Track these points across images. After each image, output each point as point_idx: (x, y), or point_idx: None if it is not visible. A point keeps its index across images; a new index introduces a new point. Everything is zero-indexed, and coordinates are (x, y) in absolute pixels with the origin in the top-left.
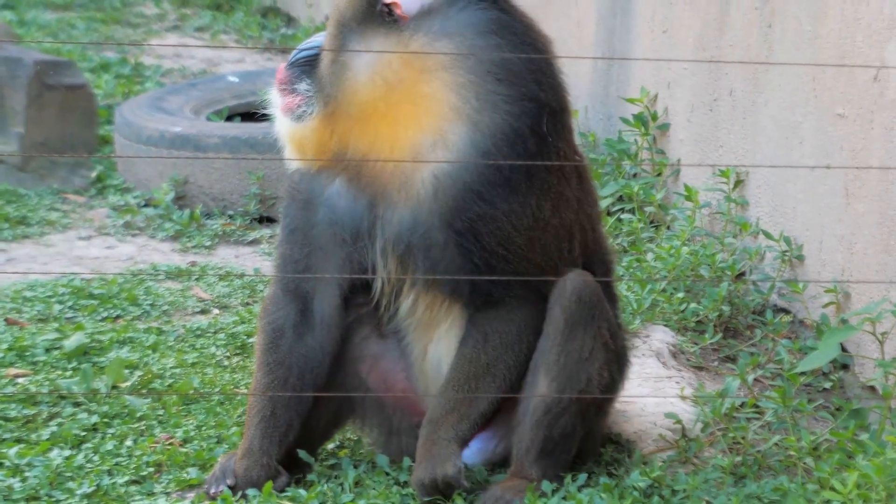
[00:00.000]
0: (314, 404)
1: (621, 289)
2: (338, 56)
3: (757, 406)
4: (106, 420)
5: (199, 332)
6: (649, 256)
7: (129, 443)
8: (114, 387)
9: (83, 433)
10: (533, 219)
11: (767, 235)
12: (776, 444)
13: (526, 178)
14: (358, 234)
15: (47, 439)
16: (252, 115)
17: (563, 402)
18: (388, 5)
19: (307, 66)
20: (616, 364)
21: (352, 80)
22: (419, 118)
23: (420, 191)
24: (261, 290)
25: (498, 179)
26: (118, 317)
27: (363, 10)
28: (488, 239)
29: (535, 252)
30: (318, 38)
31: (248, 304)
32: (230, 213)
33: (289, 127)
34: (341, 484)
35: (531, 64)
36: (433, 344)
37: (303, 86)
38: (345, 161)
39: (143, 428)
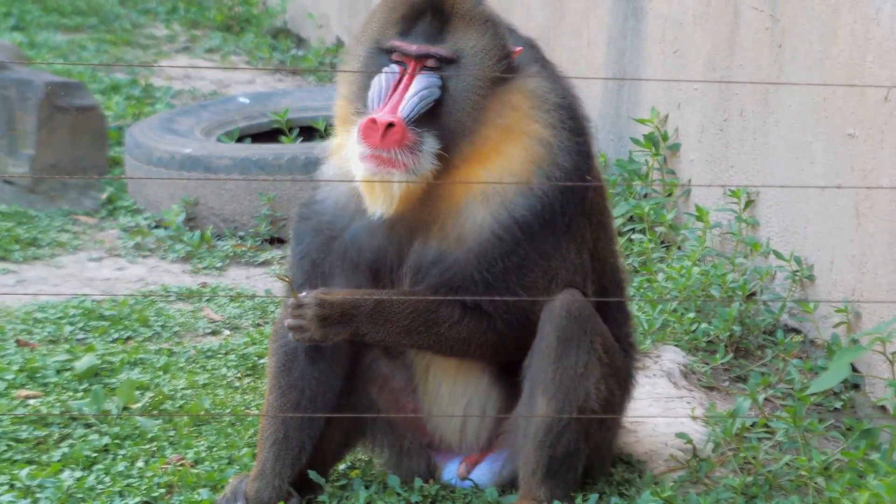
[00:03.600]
0: (325, 426)
1: (632, 309)
2: (474, 108)
3: (768, 426)
4: (117, 441)
5: (209, 354)
6: (660, 277)
7: (140, 464)
8: (125, 408)
9: (94, 454)
10: (561, 259)
11: (778, 255)
12: (787, 463)
13: (566, 221)
14: (380, 268)
15: (58, 461)
16: (263, 136)
17: (564, 420)
18: (513, 55)
19: (419, 119)
20: (615, 378)
21: (481, 129)
22: (512, 160)
23: (481, 229)
24: (272, 312)
25: (548, 220)
26: (129, 338)
27: (502, 64)
28: (513, 281)
29: (552, 291)
30: (427, 90)
31: (258, 325)
32: (241, 234)
33: (401, 181)
34: None
35: (572, 97)
36: (434, 362)
37: (430, 144)
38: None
39: (155, 449)
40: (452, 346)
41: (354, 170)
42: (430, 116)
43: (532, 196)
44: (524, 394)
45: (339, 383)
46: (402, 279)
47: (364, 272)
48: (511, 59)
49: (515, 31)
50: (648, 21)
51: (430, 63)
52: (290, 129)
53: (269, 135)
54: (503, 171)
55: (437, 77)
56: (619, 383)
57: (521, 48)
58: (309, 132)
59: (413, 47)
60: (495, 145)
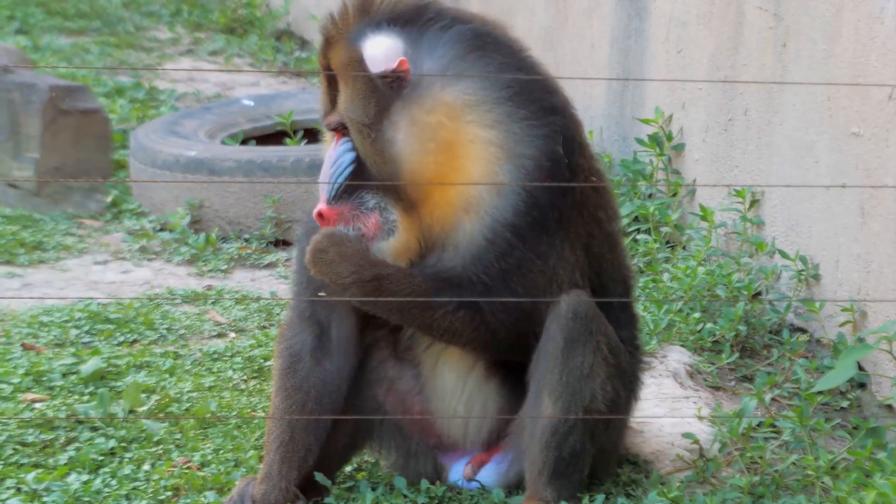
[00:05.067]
0: (332, 428)
1: (637, 309)
2: (378, 149)
3: (774, 425)
4: (123, 444)
5: (215, 356)
6: (665, 277)
7: (146, 467)
8: (131, 411)
9: (101, 458)
10: (557, 258)
11: (783, 255)
12: (794, 463)
13: (557, 216)
14: None
15: (65, 464)
16: (267, 138)
17: (570, 421)
18: (393, 74)
19: (348, 188)
20: (620, 378)
21: (404, 160)
22: (469, 168)
23: (472, 237)
24: (277, 314)
25: (536, 218)
26: (135, 341)
27: (374, 98)
28: (515, 282)
29: (552, 292)
30: (338, 162)
31: (264, 327)
32: (246, 236)
33: (389, 245)
34: None
35: (524, 83)
36: (442, 360)
37: (370, 201)
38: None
39: (161, 452)
40: (443, 333)
41: None
42: (363, 173)
43: (511, 195)
44: (530, 394)
45: (346, 385)
46: None
47: None
48: (397, 79)
49: (439, 32)
50: (652, 21)
51: (342, 129)
52: (295, 132)
53: (273, 137)
54: (466, 181)
55: (346, 140)
56: (624, 384)
57: (403, 59)
58: (313, 134)
59: (324, 123)
60: (446, 162)
